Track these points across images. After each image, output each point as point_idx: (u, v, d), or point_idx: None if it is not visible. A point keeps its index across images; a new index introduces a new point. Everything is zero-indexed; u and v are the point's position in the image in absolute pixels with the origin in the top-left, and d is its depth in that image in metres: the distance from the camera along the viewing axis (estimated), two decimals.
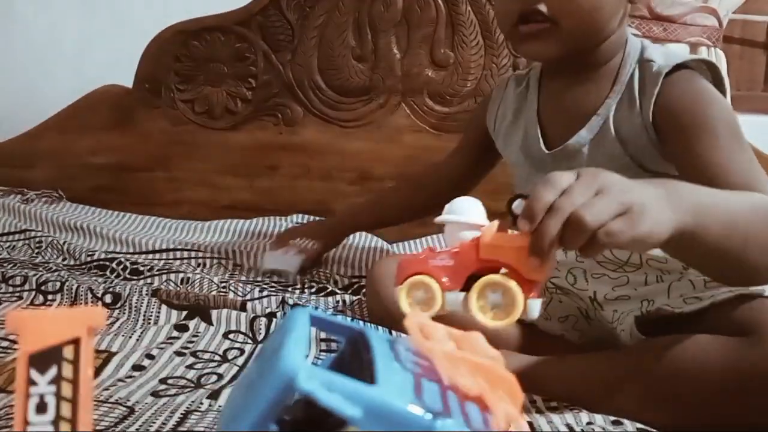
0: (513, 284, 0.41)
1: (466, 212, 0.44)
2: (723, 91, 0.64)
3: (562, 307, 0.74)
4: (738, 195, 0.52)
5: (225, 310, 0.75)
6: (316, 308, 0.82)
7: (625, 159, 0.64)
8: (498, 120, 0.80)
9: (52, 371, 0.27)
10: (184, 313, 0.76)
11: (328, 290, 0.92)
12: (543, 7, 0.60)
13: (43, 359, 0.27)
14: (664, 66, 0.63)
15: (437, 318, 0.36)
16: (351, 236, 1.10)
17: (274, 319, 0.73)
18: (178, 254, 1.07)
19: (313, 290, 0.92)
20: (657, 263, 0.66)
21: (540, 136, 0.70)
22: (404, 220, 1.03)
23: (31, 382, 0.27)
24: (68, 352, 0.27)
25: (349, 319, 0.74)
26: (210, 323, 0.74)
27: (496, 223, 0.44)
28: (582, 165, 0.65)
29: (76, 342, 0.27)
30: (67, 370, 0.27)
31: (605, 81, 0.66)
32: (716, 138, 0.59)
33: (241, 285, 0.89)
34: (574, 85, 0.68)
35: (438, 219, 0.45)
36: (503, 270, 0.42)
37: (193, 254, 1.07)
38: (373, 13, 1.26)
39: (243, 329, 0.72)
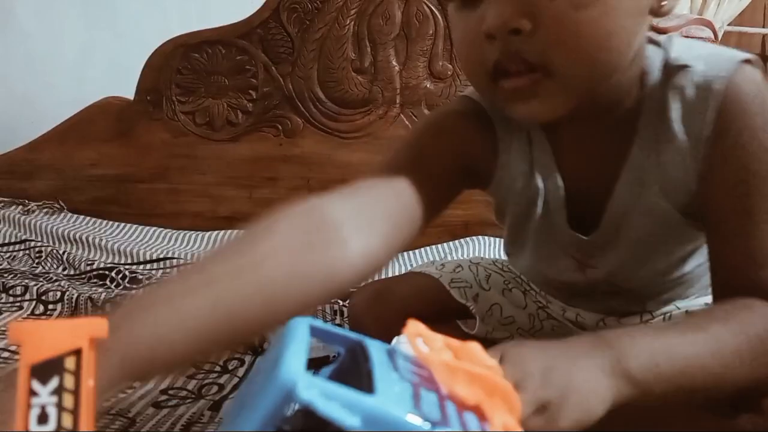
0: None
1: None
2: None
3: (552, 335, 0.68)
4: (724, 331, 0.40)
5: None
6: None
7: (666, 210, 0.48)
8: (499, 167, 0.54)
9: (54, 382, 0.27)
10: None
11: None
12: (526, 53, 0.41)
13: (44, 370, 0.27)
14: (712, 78, 0.44)
15: (435, 328, 0.36)
16: None
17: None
18: (175, 263, 1.08)
19: None
20: (666, 312, 0.61)
21: (566, 219, 0.53)
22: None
23: (33, 393, 0.27)
24: (70, 362, 0.27)
25: (347, 329, 0.74)
26: None
27: None
28: (620, 237, 0.51)
29: (77, 352, 0.27)
30: (69, 381, 0.27)
31: (629, 115, 0.47)
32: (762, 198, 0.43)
33: None
34: (587, 130, 0.49)
35: None
36: None
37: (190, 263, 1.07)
38: (373, 26, 1.27)
39: None
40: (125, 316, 0.35)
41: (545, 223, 0.54)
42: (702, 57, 0.45)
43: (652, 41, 0.48)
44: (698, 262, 0.55)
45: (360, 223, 0.44)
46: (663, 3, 0.44)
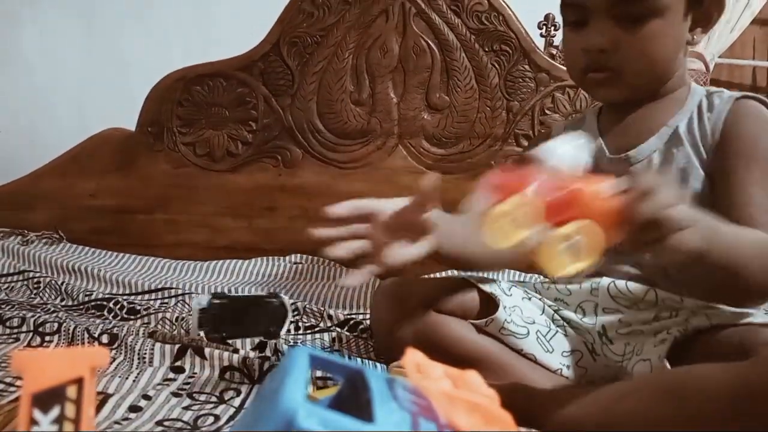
0: (599, 233, 0.44)
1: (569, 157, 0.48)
2: None
3: (568, 341, 0.74)
4: (744, 230, 0.58)
5: (217, 351, 0.75)
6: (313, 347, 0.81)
7: (694, 165, 0.68)
8: None
9: (55, 411, 0.27)
10: (177, 346, 0.75)
11: (322, 327, 0.91)
12: (607, 62, 0.67)
13: (46, 399, 0.27)
14: (733, 95, 0.69)
15: (435, 357, 0.36)
16: None
17: (267, 362, 0.72)
18: (172, 293, 1.07)
19: (305, 326, 0.92)
20: (671, 301, 0.67)
21: (604, 146, 0.74)
22: None
23: (34, 422, 0.27)
24: (71, 391, 0.27)
25: (347, 357, 0.73)
26: (204, 357, 0.73)
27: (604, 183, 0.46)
28: (648, 172, 0.70)
29: (79, 381, 0.27)
30: (70, 410, 0.27)
31: (673, 104, 0.71)
32: (762, 173, 0.64)
33: None
34: (638, 109, 0.72)
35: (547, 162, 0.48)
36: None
37: (188, 293, 1.07)
38: (371, 59, 1.30)
39: (236, 364, 0.72)
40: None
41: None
42: (728, 91, 0.71)
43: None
44: None
45: None
46: (695, 36, 0.70)
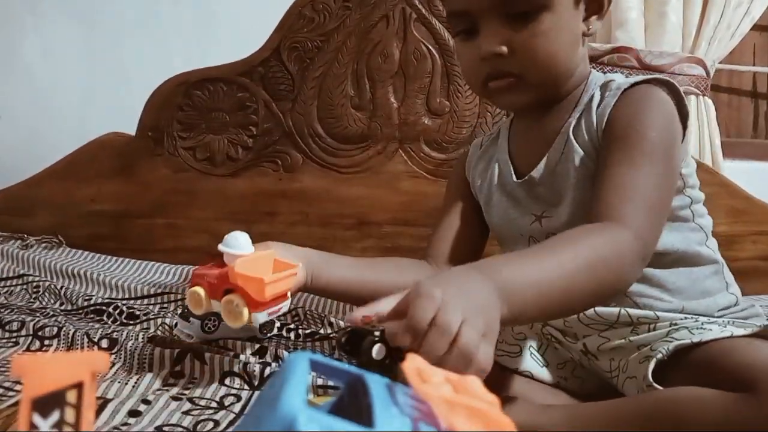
0: (241, 301, 0.64)
1: (239, 246, 0.68)
2: (685, 111, 0.65)
3: (558, 354, 0.73)
4: (570, 252, 0.52)
5: (217, 356, 0.75)
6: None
7: (586, 164, 0.66)
8: (477, 175, 0.81)
9: (55, 415, 0.27)
10: (177, 351, 0.75)
11: (322, 334, 0.91)
12: (506, 66, 0.65)
13: (45, 403, 0.27)
14: (624, 83, 0.66)
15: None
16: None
17: (268, 368, 0.72)
18: (172, 297, 1.07)
19: (305, 333, 0.92)
20: (647, 319, 0.66)
21: (512, 169, 0.74)
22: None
23: (33, 427, 0.27)
24: (71, 396, 0.27)
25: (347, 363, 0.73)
26: (204, 362, 0.73)
27: (251, 256, 0.66)
28: (552, 186, 0.69)
29: (79, 386, 0.27)
30: (70, 415, 0.27)
31: (567, 106, 0.69)
32: (635, 152, 0.60)
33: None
34: (539, 119, 0.71)
35: (219, 247, 0.68)
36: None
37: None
38: (371, 64, 1.30)
39: (237, 370, 0.72)
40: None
41: (500, 183, 0.76)
42: (623, 78, 0.69)
43: (602, 71, 0.73)
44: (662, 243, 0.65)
45: None
46: (590, 26, 0.68)
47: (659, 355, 0.59)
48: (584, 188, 0.66)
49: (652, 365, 0.59)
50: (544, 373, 0.71)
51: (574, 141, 0.67)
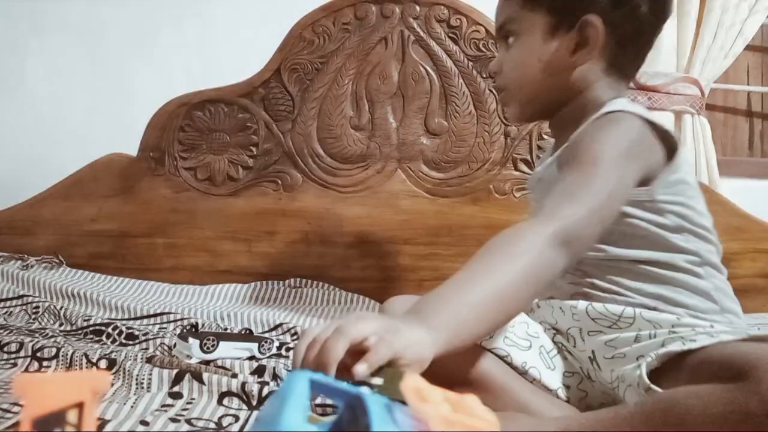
0: None
1: None
2: (670, 143, 0.68)
3: (568, 363, 0.73)
4: (499, 270, 0.53)
5: (216, 376, 0.75)
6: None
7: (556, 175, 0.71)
8: None
9: None
10: (175, 371, 0.75)
11: None
12: (498, 83, 0.77)
13: (47, 423, 0.27)
14: (604, 111, 0.69)
15: (434, 381, 0.36)
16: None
17: (266, 387, 0.72)
18: (171, 317, 1.07)
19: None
20: (649, 314, 0.67)
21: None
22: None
23: None
24: (72, 416, 0.27)
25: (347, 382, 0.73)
26: (202, 382, 0.73)
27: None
28: (544, 188, 0.74)
29: (80, 406, 0.27)
30: None
31: (571, 128, 0.73)
32: (575, 163, 0.64)
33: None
34: (554, 137, 0.80)
35: None
36: None
37: (186, 318, 1.07)
38: (370, 85, 1.32)
39: (235, 390, 0.71)
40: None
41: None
42: (615, 105, 0.70)
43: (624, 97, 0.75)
44: (637, 255, 0.69)
45: None
46: (576, 59, 0.71)
47: (649, 359, 0.61)
48: None
49: (644, 368, 0.60)
50: (550, 376, 0.71)
51: (555, 160, 0.73)
